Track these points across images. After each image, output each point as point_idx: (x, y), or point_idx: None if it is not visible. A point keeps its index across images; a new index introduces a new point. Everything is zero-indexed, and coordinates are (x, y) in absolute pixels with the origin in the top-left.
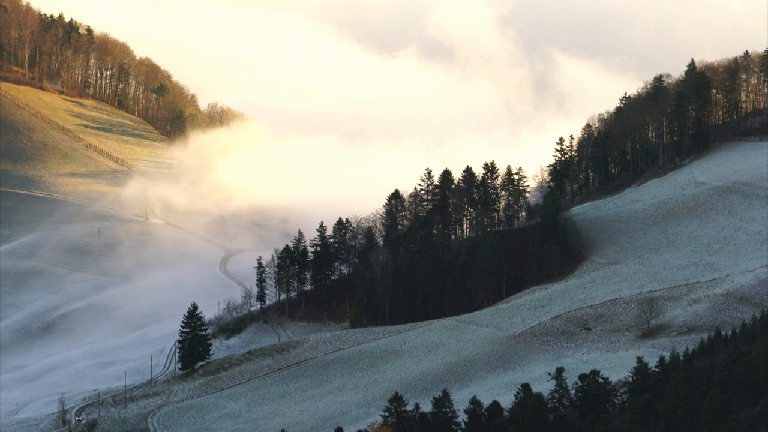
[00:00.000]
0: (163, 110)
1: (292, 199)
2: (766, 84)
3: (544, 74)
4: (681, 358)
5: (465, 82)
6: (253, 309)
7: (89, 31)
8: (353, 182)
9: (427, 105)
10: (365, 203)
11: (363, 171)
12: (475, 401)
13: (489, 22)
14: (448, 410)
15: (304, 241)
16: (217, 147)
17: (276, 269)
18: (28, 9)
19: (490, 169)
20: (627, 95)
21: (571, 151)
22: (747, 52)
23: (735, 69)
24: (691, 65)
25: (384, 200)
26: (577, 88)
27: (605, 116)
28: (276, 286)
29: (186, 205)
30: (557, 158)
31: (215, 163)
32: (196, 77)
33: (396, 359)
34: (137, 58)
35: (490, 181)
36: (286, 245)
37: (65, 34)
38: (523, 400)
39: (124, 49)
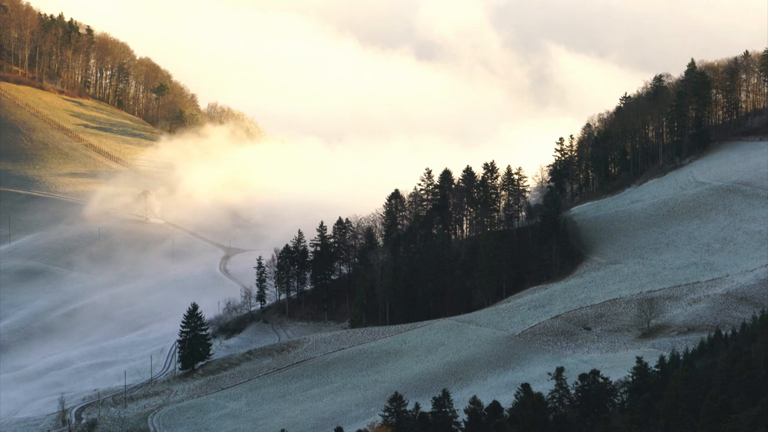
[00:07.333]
0: (163, 110)
1: (291, 199)
2: (766, 84)
3: (542, 67)
4: (681, 358)
5: (464, 80)
6: (253, 309)
7: (89, 31)
8: (351, 182)
9: (426, 104)
10: (364, 203)
11: (361, 171)
12: (475, 401)
13: (483, 19)
14: (448, 410)
15: (304, 241)
16: (209, 146)
17: (276, 269)
18: (28, 9)
19: (490, 169)
20: (627, 95)
21: (571, 150)
22: (747, 52)
23: (735, 69)
24: (691, 65)
25: (383, 200)
26: (575, 81)
27: (605, 116)
28: (276, 286)
29: (183, 205)
30: (557, 158)
31: (210, 163)
32: (196, 77)
33: (396, 359)
34: (137, 58)
35: (490, 181)
36: (286, 245)
37: (65, 34)
38: (523, 400)
39: (124, 49)
